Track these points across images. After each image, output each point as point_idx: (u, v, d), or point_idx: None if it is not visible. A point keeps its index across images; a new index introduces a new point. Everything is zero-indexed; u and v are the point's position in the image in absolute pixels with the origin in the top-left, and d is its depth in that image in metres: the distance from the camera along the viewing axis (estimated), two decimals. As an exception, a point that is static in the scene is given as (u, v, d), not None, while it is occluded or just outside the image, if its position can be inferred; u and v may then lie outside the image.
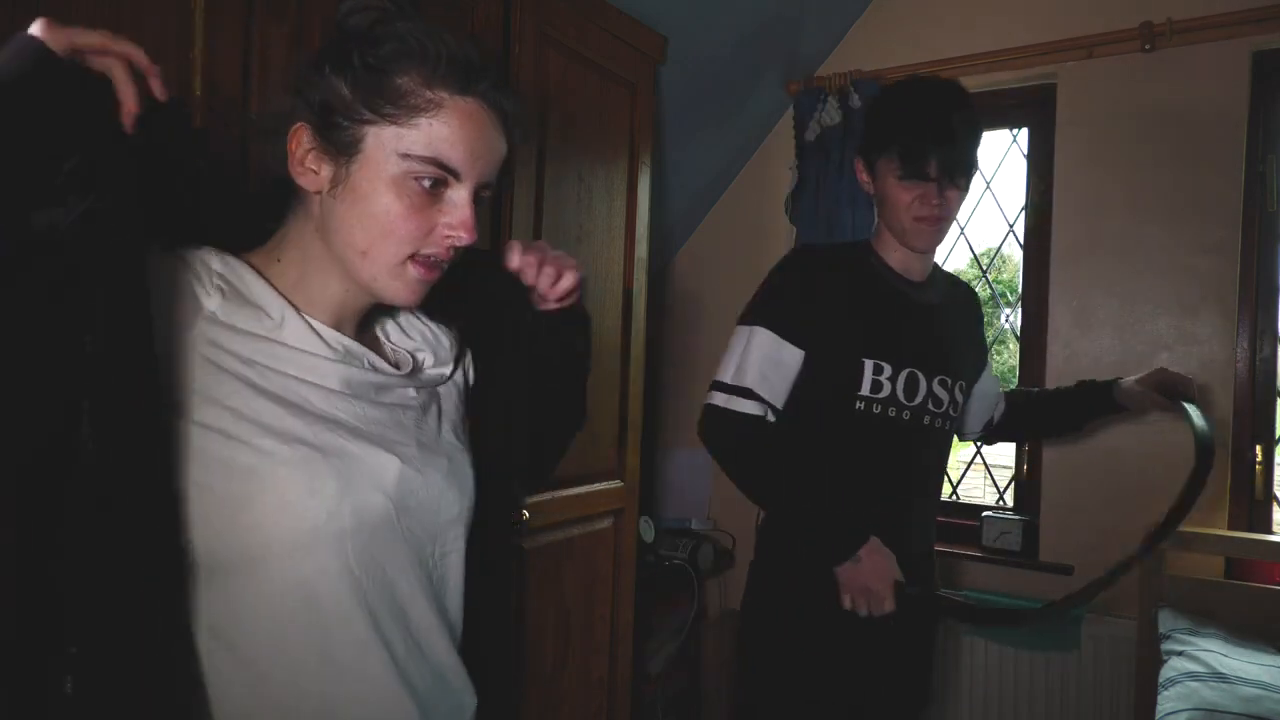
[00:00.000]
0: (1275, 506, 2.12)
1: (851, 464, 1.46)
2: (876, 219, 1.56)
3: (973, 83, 2.42)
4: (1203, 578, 2.03)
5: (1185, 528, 2.04)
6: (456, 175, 0.78)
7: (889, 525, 1.44)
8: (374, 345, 0.89)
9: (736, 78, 2.47)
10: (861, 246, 1.56)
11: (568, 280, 0.94)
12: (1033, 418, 1.82)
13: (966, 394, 1.61)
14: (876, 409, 1.44)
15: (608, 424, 2.10)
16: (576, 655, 2.00)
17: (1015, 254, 2.58)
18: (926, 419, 1.48)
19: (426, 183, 0.76)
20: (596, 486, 2.05)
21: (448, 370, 0.93)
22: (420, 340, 0.93)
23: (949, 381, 1.52)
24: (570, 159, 1.92)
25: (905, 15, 2.55)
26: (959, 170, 1.42)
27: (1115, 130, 2.23)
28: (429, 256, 0.79)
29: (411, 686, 0.79)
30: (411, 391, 0.87)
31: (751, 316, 1.48)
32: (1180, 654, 1.80)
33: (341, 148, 0.76)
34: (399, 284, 0.79)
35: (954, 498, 2.67)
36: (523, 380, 0.95)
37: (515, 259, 0.92)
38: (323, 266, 0.80)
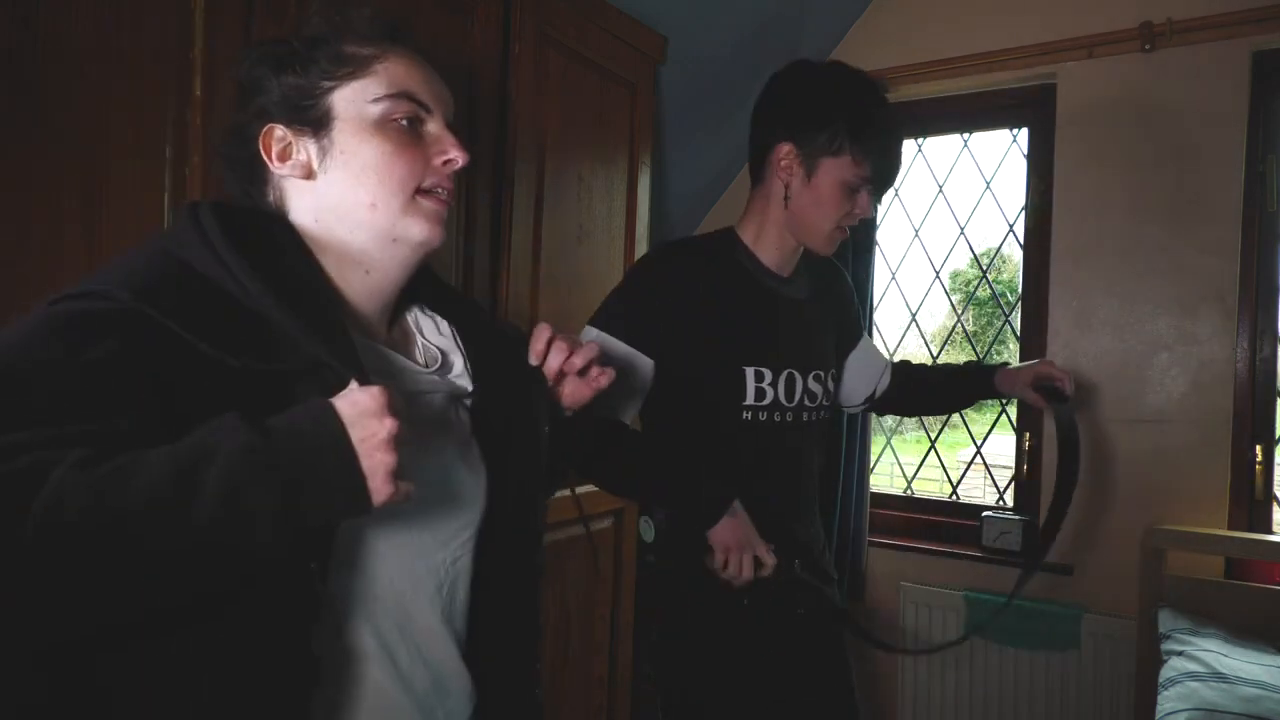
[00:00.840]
0: (1275, 506, 2.12)
1: (739, 468, 1.41)
2: (755, 207, 1.48)
3: (973, 83, 2.44)
4: (1203, 578, 2.03)
5: (1185, 527, 2.05)
6: (426, 108, 0.82)
7: (774, 517, 1.41)
8: (405, 339, 0.90)
9: (736, 78, 2.47)
10: (727, 240, 1.48)
11: (579, 357, 0.92)
12: (916, 395, 1.77)
13: (838, 380, 1.59)
14: (762, 415, 1.41)
15: (608, 424, 2.10)
16: (576, 655, 2.00)
17: (1015, 254, 2.58)
18: (805, 415, 1.47)
19: (404, 121, 0.80)
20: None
21: (469, 385, 0.92)
22: (451, 345, 0.93)
23: (822, 375, 1.50)
24: (570, 159, 1.92)
25: (905, 15, 2.55)
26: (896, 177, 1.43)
27: (1115, 130, 2.23)
28: (433, 188, 0.82)
29: (412, 691, 0.80)
30: (435, 398, 0.87)
31: (602, 318, 1.40)
32: (1180, 654, 1.80)
33: (317, 122, 0.79)
34: (418, 220, 0.81)
35: (954, 498, 2.67)
36: (537, 457, 0.94)
37: (540, 342, 0.92)
38: (333, 255, 0.81)
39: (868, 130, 1.35)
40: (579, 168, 1.96)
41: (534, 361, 0.91)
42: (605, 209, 2.06)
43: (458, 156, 0.83)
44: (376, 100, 0.79)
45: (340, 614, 0.75)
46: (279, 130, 0.79)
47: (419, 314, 0.93)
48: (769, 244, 1.45)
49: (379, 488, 0.61)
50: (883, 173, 1.37)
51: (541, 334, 0.92)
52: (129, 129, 1.13)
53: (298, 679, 0.69)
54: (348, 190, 0.79)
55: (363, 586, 0.76)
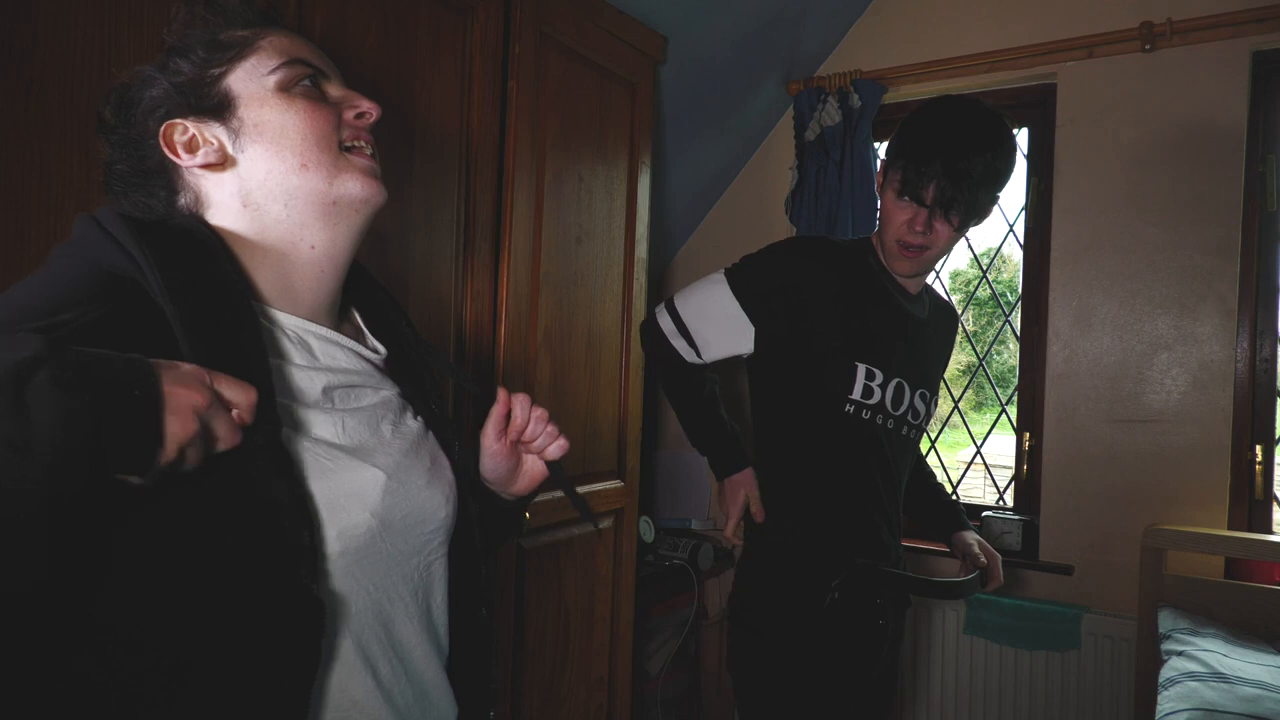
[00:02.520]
0: (1275, 506, 2.12)
1: (838, 465, 1.46)
2: None
3: (973, 83, 2.44)
4: (1203, 578, 2.04)
5: (1185, 527, 2.05)
6: (321, 72, 0.81)
7: (872, 527, 1.46)
8: (356, 335, 0.88)
9: (736, 78, 2.47)
10: (863, 246, 1.53)
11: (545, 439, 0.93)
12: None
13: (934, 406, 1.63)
14: (865, 414, 1.44)
15: (608, 424, 2.10)
16: (576, 655, 2.00)
17: (1015, 254, 2.58)
18: (905, 429, 1.50)
19: (306, 82, 0.79)
20: (596, 486, 2.05)
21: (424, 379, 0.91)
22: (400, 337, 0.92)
23: (927, 395, 1.54)
24: (570, 159, 1.92)
25: (905, 15, 2.55)
26: (956, 206, 1.36)
27: (1115, 130, 2.23)
28: (353, 142, 0.80)
29: (394, 705, 0.77)
30: (392, 392, 0.85)
31: (733, 273, 1.50)
32: (1180, 654, 1.80)
33: (218, 107, 0.76)
34: (352, 175, 0.78)
35: (954, 498, 2.67)
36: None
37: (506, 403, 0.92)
38: (270, 239, 0.77)
39: (908, 135, 1.39)
40: (579, 168, 1.96)
41: (517, 414, 0.91)
42: (605, 209, 2.06)
43: (369, 108, 0.81)
44: (272, 70, 0.77)
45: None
46: (180, 124, 0.75)
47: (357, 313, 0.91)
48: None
49: (174, 411, 0.55)
50: (912, 174, 1.35)
51: (534, 410, 0.92)
52: (129, 129, 1.13)
53: (299, 696, 0.67)
54: (273, 159, 0.76)
55: (343, 594, 0.73)
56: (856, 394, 1.42)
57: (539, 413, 0.92)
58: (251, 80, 0.77)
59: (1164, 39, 2.15)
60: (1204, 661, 1.73)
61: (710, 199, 2.86)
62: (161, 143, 0.76)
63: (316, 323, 0.80)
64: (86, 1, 1.08)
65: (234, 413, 0.60)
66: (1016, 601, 2.28)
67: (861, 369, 1.42)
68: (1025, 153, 2.48)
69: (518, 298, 1.78)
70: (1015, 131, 2.50)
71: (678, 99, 2.35)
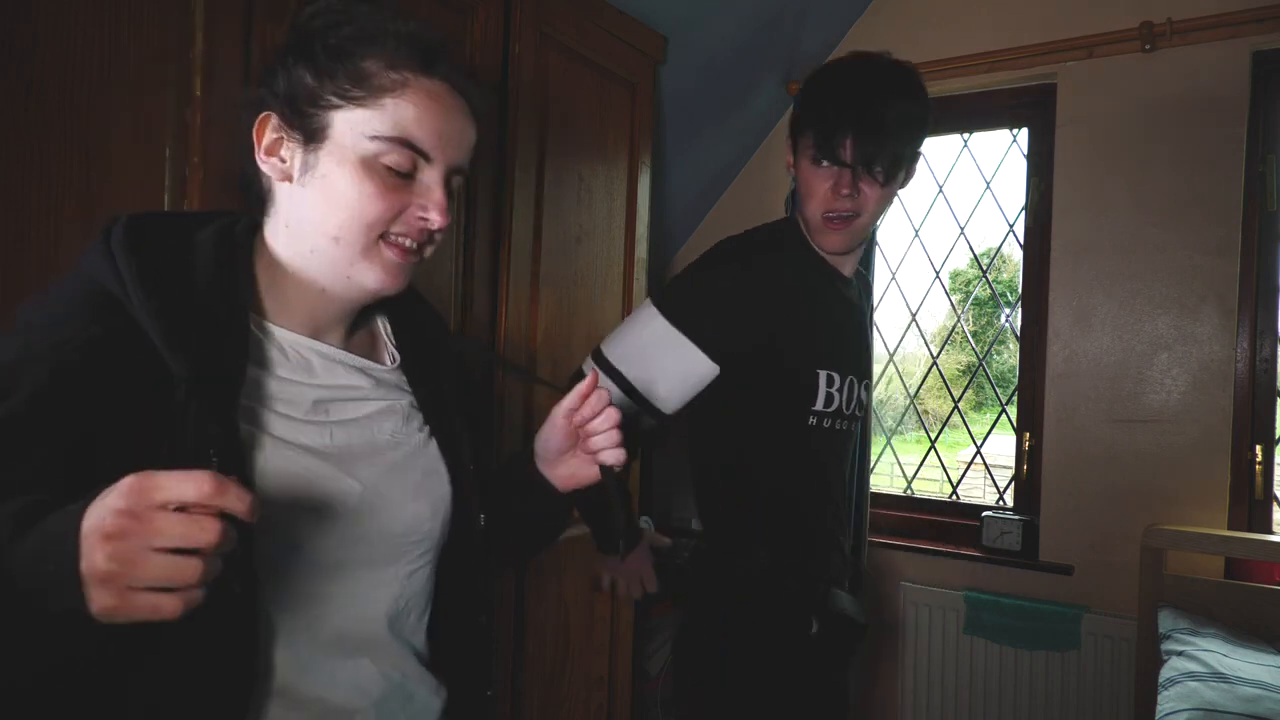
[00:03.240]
0: (1275, 506, 2.12)
1: (799, 482, 1.36)
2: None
3: (973, 83, 2.44)
4: (1203, 578, 2.04)
5: (1185, 527, 2.05)
6: (426, 156, 0.77)
7: (826, 529, 1.39)
8: (372, 340, 0.88)
9: (736, 78, 2.47)
10: (793, 229, 1.39)
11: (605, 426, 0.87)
12: None
13: None
14: (826, 423, 1.34)
15: (608, 424, 2.09)
16: (576, 655, 2.00)
17: (1015, 254, 2.58)
18: (852, 425, 1.42)
19: (396, 167, 0.76)
20: (596, 486, 2.05)
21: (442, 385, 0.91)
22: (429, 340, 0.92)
23: (870, 385, 1.47)
24: (570, 159, 1.92)
25: (905, 15, 2.55)
26: (879, 159, 1.23)
27: (1115, 130, 2.23)
28: (400, 238, 0.78)
29: (366, 696, 0.78)
30: (401, 401, 0.85)
31: (671, 308, 1.29)
32: (1180, 654, 1.80)
33: (309, 134, 0.75)
34: (375, 267, 0.77)
35: (954, 498, 2.67)
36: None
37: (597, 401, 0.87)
38: (293, 267, 0.78)
39: (811, 97, 1.29)
40: (579, 168, 1.96)
41: (581, 407, 0.86)
42: (605, 209, 2.06)
43: (435, 219, 0.77)
44: (374, 138, 0.74)
45: (266, 632, 0.71)
46: (274, 121, 0.76)
47: (383, 318, 0.91)
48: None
49: (94, 594, 0.49)
50: (826, 134, 1.24)
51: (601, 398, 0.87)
52: (129, 129, 1.13)
53: (237, 706, 0.67)
54: (317, 212, 0.76)
55: (301, 601, 0.73)
56: (819, 404, 1.32)
57: (612, 413, 0.87)
58: (351, 131, 0.74)
59: (1164, 39, 2.15)
60: (1204, 661, 1.73)
61: (710, 199, 2.86)
62: (254, 129, 0.77)
63: (323, 337, 0.81)
64: (86, 1, 1.08)
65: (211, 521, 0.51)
66: (1016, 601, 2.28)
67: (823, 376, 1.31)
68: (1025, 153, 2.48)
69: (518, 298, 1.78)
70: (1014, 131, 2.53)
71: (678, 99, 2.35)
